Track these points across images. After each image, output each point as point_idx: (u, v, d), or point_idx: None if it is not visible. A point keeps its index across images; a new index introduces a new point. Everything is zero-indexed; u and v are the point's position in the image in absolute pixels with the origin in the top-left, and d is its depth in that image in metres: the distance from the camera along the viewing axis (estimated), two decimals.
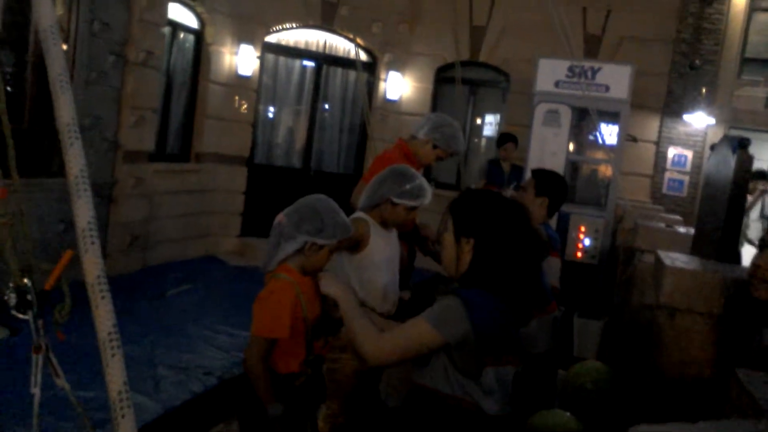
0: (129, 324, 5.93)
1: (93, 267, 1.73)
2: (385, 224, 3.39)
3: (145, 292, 6.99)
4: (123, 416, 1.64)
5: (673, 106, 9.29)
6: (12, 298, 2.25)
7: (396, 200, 3.31)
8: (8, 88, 7.38)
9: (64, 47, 6.70)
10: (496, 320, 2.07)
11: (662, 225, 5.32)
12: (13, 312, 2.23)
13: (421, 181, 3.40)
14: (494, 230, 2.12)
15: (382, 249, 3.37)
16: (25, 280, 2.26)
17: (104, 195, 7.17)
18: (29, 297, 2.24)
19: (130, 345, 5.41)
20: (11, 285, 2.25)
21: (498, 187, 6.09)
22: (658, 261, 3.10)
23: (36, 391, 2.19)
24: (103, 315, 1.68)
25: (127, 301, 6.60)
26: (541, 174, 4.00)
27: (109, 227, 7.28)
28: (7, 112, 2.23)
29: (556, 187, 3.92)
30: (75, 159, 1.69)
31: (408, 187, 3.32)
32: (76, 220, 1.73)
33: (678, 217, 6.73)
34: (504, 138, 8.15)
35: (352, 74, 10.23)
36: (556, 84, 8.11)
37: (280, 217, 2.69)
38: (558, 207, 3.97)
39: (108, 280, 5.98)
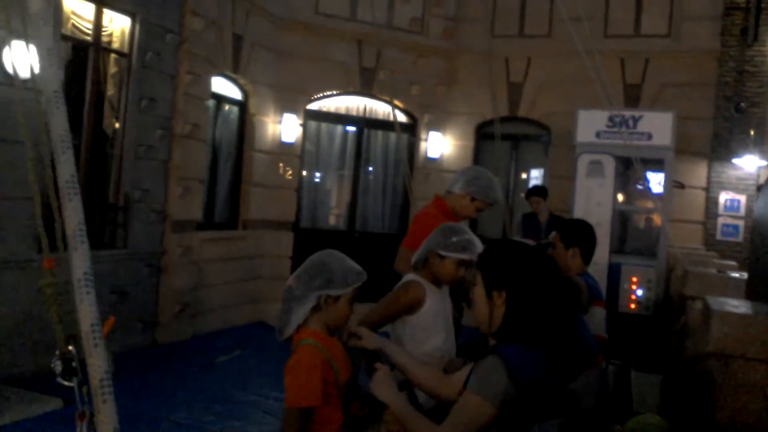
0: (179, 391, 5.97)
1: (88, 315, 1.82)
2: (437, 282, 3.35)
3: (196, 359, 7.03)
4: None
5: (720, 151, 9.09)
6: (58, 366, 2.28)
7: (443, 253, 3.27)
8: None
9: (116, 125, 6.98)
10: (538, 376, 2.00)
11: (713, 270, 5.14)
12: (59, 379, 2.26)
13: (470, 234, 3.36)
14: (526, 280, 2.07)
15: (437, 309, 3.32)
16: (70, 348, 2.28)
17: (154, 265, 7.33)
18: (74, 364, 2.25)
19: (180, 412, 5.43)
20: (57, 353, 2.29)
21: (534, 240, 6.01)
22: (706, 306, 2.99)
23: None
24: (96, 364, 1.68)
25: (178, 369, 6.65)
26: (564, 226, 3.92)
27: (159, 296, 7.42)
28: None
29: (583, 235, 3.83)
30: (73, 214, 1.78)
31: (455, 239, 3.29)
32: (72, 270, 1.83)
33: (731, 262, 6.50)
34: (530, 192, 8.09)
35: (392, 136, 10.37)
36: (597, 134, 8.07)
37: (290, 281, 2.66)
38: (591, 254, 3.86)
39: (159, 348, 6.11)
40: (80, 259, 1.85)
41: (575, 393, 3.38)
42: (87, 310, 1.83)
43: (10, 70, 5.49)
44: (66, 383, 2.24)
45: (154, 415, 5.23)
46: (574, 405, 3.35)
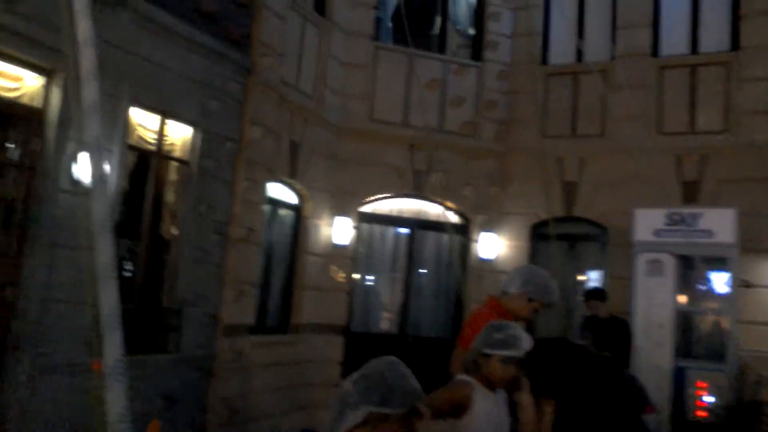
0: None
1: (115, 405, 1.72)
2: (491, 385, 3.21)
3: None
4: None
5: None
6: None
7: (488, 351, 3.15)
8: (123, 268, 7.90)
9: (175, 232, 7.16)
10: None
11: None
12: None
13: (515, 329, 3.23)
14: (578, 389, 1.93)
15: (488, 413, 3.15)
16: None
17: (205, 369, 7.29)
18: None
19: None
20: None
21: None
22: None
23: None
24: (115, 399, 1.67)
25: None
26: (596, 327, 3.72)
27: (209, 401, 7.34)
28: (120, 291, 2.35)
29: (615, 339, 3.61)
30: (109, 297, 1.77)
31: (499, 336, 3.17)
32: (104, 357, 1.81)
33: None
34: (588, 295, 7.84)
35: (445, 237, 10.35)
36: (656, 233, 7.90)
37: (347, 384, 2.56)
38: (625, 357, 3.61)
39: None
40: (113, 345, 1.85)
41: None
42: (115, 400, 1.82)
43: (78, 178, 5.75)
44: None
45: None
46: None
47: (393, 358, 2.58)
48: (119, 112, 6.19)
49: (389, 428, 2.49)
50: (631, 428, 2.70)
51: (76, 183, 5.75)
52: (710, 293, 7.78)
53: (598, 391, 1.97)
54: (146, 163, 7.00)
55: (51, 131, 5.68)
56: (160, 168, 7.12)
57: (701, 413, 7.04)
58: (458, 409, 3.12)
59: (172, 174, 7.27)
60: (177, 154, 7.30)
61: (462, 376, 3.25)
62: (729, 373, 7.10)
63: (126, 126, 6.47)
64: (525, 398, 2.01)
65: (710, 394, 7.07)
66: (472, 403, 3.12)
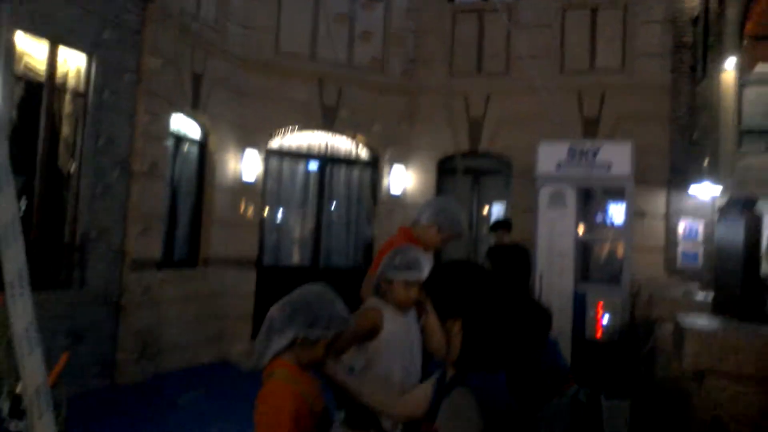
0: None
1: (33, 377, 1.55)
2: (399, 308, 3.28)
3: (157, 399, 6.80)
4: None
5: (677, 180, 9.28)
6: (5, 406, 2.16)
7: (390, 275, 3.22)
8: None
9: (73, 167, 6.82)
10: (507, 406, 1.91)
11: (678, 294, 5.18)
12: (6, 419, 2.14)
13: (416, 253, 3.30)
14: (482, 305, 1.95)
15: (397, 334, 3.22)
16: (19, 388, 2.15)
17: (112, 304, 7.11)
18: (23, 406, 2.12)
19: None
20: (4, 392, 2.17)
21: None
22: (678, 326, 2.98)
23: None
24: (30, 372, 1.50)
25: (138, 410, 6.43)
26: (494, 253, 3.82)
27: (119, 336, 7.19)
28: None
29: (511, 264, 3.72)
30: (14, 260, 1.60)
31: (400, 259, 3.23)
32: (13, 322, 1.59)
33: (694, 285, 6.58)
34: (495, 225, 8.11)
35: (355, 171, 10.38)
36: (558, 166, 8.18)
37: (273, 310, 2.56)
38: (525, 282, 3.72)
39: (119, 388, 5.86)
40: (22, 309, 1.61)
41: (544, 420, 3.30)
42: (31, 371, 1.53)
43: None
44: (13, 425, 2.12)
45: None
46: None
47: (321, 286, 2.60)
48: (0, 36, 5.74)
49: (316, 353, 2.52)
50: (539, 343, 2.81)
51: None
52: (608, 223, 8.19)
53: (504, 307, 2.01)
54: (38, 94, 6.57)
55: None
56: (54, 100, 6.72)
57: (599, 333, 7.51)
58: (370, 334, 3.18)
59: (67, 106, 6.88)
60: (71, 85, 6.89)
61: (370, 301, 3.30)
62: (623, 296, 7.58)
63: (11, 53, 6.02)
64: (430, 321, 2.03)
65: (607, 313, 7.54)
66: (380, 327, 3.19)
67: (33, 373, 1.53)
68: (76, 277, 6.77)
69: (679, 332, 2.91)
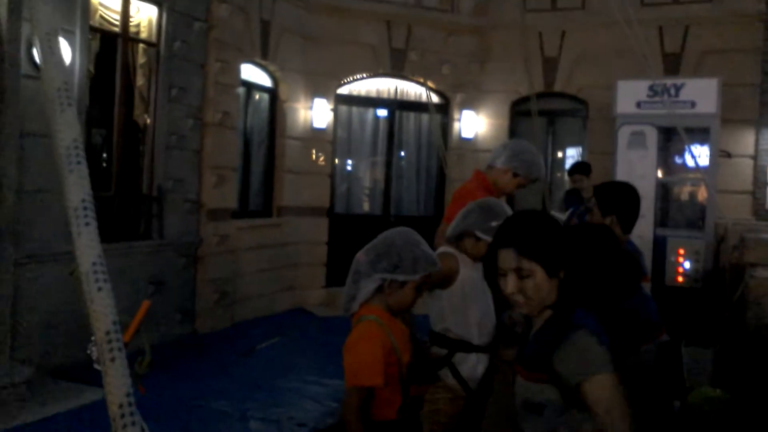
0: (220, 380, 5.93)
1: (102, 320, 1.41)
2: (473, 257, 3.21)
3: (235, 347, 6.99)
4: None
5: None
6: (93, 352, 2.19)
7: (480, 235, 3.13)
8: (97, 157, 7.70)
9: (149, 118, 6.93)
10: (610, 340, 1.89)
11: None
12: (96, 365, 2.18)
13: (507, 214, 3.21)
14: (584, 256, 1.93)
15: (474, 279, 3.17)
16: None
17: (190, 255, 7.29)
18: None
19: (221, 400, 5.38)
20: (93, 339, 2.20)
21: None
22: None
23: None
24: (101, 311, 1.40)
25: (217, 358, 6.62)
26: (602, 190, 3.63)
27: (197, 286, 7.39)
28: (95, 180, 2.23)
29: (622, 201, 3.52)
30: (76, 188, 1.47)
31: (494, 224, 3.14)
32: (79, 260, 1.47)
33: None
34: (573, 169, 7.82)
35: (425, 117, 10.21)
36: (638, 105, 7.82)
37: (359, 255, 2.56)
38: (631, 222, 3.53)
39: (199, 336, 6.00)
40: (87, 245, 1.43)
41: (630, 368, 3.21)
42: (100, 313, 1.40)
43: (38, 62, 5.45)
44: (101, 368, 2.15)
45: (195, 404, 5.18)
46: (632, 380, 3.18)
47: (404, 228, 2.57)
48: None
49: (404, 296, 2.49)
50: (630, 296, 2.70)
51: (40, 67, 5.45)
52: (690, 164, 7.81)
53: (593, 261, 1.95)
54: (113, 46, 6.67)
55: (2, 10, 5.31)
56: (128, 51, 6.80)
57: (680, 279, 7.24)
58: (446, 280, 3.13)
59: (141, 57, 6.96)
60: (144, 35, 6.96)
61: (445, 248, 3.23)
62: (707, 240, 7.26)
63: (87, 6, 6.10)
64: (538, 277, 2.01)
65: (688, 260, 7.25)
66: (456, 273, 3.14)
67: (102, 312, 1.42)
68: (155, 227, 6.94)
69: None
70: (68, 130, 1.51)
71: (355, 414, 2.37)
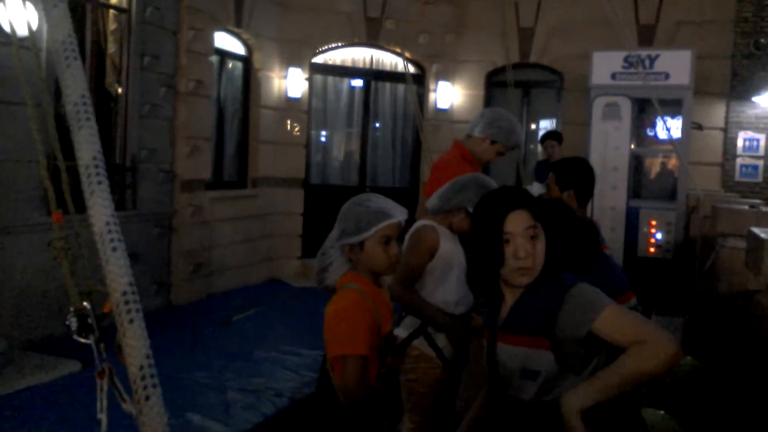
0: (196, 351, 5.92)
1: (118, 281, 1.36)
2: (450, 229, 3.22)
3: (211, 319, 6.97)
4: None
5: (739, 89, 8.84)
6: (73, 323, 2.17)
7: (470, 208, 3.14)
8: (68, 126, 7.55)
9: (120, 86, 6.80)
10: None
11: (745, 207, 4.98)
12: (75, 336, 2.16)
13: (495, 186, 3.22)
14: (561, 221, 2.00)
15: (453, 252, 3.18)
16: (85, 304, 2.15)
17: (164, 225, 7.22)
18: (89, 321, 2.12)
19: (199, 372, 5.38)
20: (71, 309, 2.17)
21: None
22: (756, 239, 2.84)
23: (102, 416, 2.08)
24: (116, 271, 1.36)
25: (194, 329, 6.60)
26: (559, 166, 3.67)
27: (172, 257, 7.33)
28: (67, 150, 2.18)
29: (578, 176, 3.57)
30: (87, 145, 1.42)
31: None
32: (92, 220, 1.41)
33: (757, 201, 6.34)
34: (545, 136, 7.87)
35: (400, 88, 10.15)
36: (613, 76, 7.83)
37: (330, 234, 2.52)
38: (587, 196, 3.56)
39: (174, 309, 5.96)
40: (101, 205, 1.39)
41: None
42: (116, 273, 1.35)
43: (6, 28, 5.29)
44: (82, 340, 2.13)
45: (173, 376, 5.17)
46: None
47: (359, 195, 2.53)
48: None
49: (373, 254, 2.43)
50: (591, 263, 2.79)
51: (6, 32, 5.30)
52: (662, 137, 7.88)
53: (556, 231, 1.97)
54: (82, 11, 6.50)
55: None
56: (98, 17, 6.63)
57: (652, 249, 7.36)
58: (427, 254, 3.14)
59: (111, 23, 6.79)
60: (114, 1, 6.79)
61: (423, 221, 3.22)
62: (678, 211, 7.37)
63: None
64: (540, 243, 2.07)
65: (660, 231, 7.37)
66: (439, 245, 3.14)
67: (118, 272, 1.38)
68: (129, 198, 6.85)
69: (758, 245, 2.77)
70: (75, 85, 1.47)
71: (363, 386, 2.30)
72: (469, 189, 3.15)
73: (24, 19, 4.35)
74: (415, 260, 3.14)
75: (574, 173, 3.56)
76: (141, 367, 1.35)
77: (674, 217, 7.35)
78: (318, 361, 2.59)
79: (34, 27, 4.77)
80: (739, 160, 8.87)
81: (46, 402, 4.61)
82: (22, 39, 4.61)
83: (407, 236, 3.23)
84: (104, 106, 6.80)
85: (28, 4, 5.46)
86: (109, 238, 1.37)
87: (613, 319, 1.79)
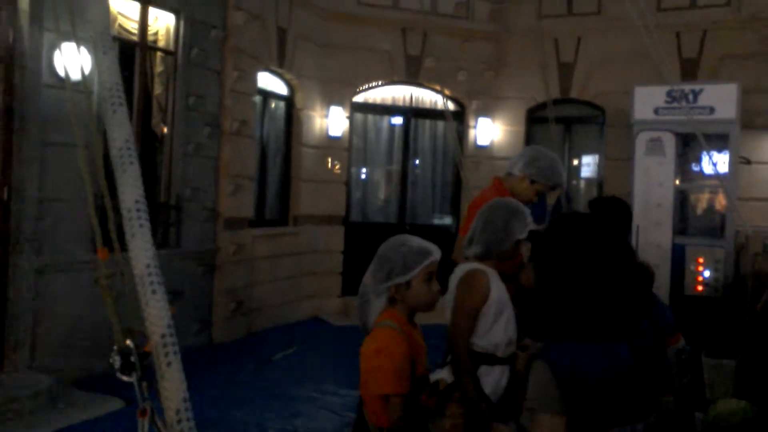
0: (237, 390, 5.93)
1: (158, 322, 1.39)
2: (495, 265, 3.17)
3: (252, 357, 6.98)
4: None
5: None
6: (116, 361, 2.19)
7: (521, 237, 3.12)
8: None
9: (166, 126, 6.97)
10: (597, 374, 1.77)
11: None
12: (118, 374, 2.17)
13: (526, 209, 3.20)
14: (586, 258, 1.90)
15: (501, 293, 3.13)
16: (128, 342, 2.17)
17: (207, 263, 7.30)
18: (132, 359, 2.13)
19: (239, 410, 5.37)
20: (115, 348, 2.19)
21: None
22: None
23: None
24: (155, 314, 1.37)
25: (234, 368, 6.61)
26: (596, 204, 3.61)
27: (214, 295, 7.39)
28: (113, 188, 2.24)
29: (615, 215, 3.51)
30: (131, 187, 1.46)
31: (529, 221, 3.14)
32: (133, 263, 1.45)
33: None
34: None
35: (440, 125, 10.19)
36: (656, 111, 7.74)
37: (365, 279, 2.55)
38: (625, 235, 3.53)
39: (215, 346, 6.00)
40: (141, 247, 1.45)
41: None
42: (156, 316, 1.41)
43: (61, 72, 5.49)
44: (125, 378, 2.14)
45: (213, 414, 5.17)
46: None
47: (394, 237, 2.56)
48: None
49: (419, 292, 2.47)
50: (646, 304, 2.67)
51: (60, 77, 5.49)
52: (708, 171, 7.72)
53: (612, 267, 1.88)
54: (131, 54, 6.71)
55: (24, 21, 5.36)
56: (146, 60, 6.83)
57: (699, 288, 7.16)
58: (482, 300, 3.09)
59: (158, 66, 6.99)
60: (161, 44, 6.99)
61: (471, 265, 3.16)
62: (727, 249, 7.17)
63: (106, 14, 6.13)
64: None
65: (708, 269, 7.17)
66: (491, 291, 3.08)
67: (157, 315, 1.44)
68: (172, 235, 6.96)
69: None
70: (120, 130, 1.52)
71: (407, 425, 2.32)
72: (512, 221, 3.15)
73: (78, 64, 4.52)
74: (468, 310, 3.07)
75: (611, 212, 3.51)
76: (178, 411, 1.36)
77: (723, 254, 7.15)
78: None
79: (87, 71, 4.92)
80: None
81: None
82: (76, 83, 4.82)
83: (457, 281, 3.17)
84: (150, 145, 6.97)
85: (82, 49, 5.67)
86: (149, 281, 1.40)
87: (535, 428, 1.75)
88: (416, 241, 2.52)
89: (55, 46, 5.49)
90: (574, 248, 1.87)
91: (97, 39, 1.66)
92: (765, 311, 4.47)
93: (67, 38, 5.27)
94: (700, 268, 7.18)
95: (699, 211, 8.11)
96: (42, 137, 5.44)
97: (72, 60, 5.22)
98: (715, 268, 7.16)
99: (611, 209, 3.61)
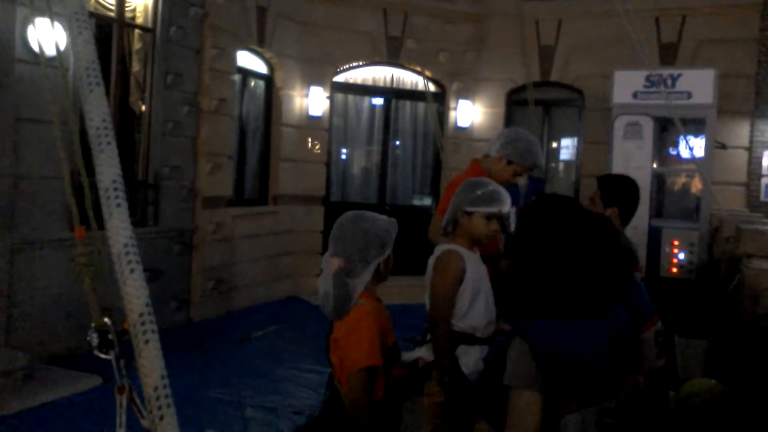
0: (215, 368, 5.93)
1: (135, 302, 1.39)
2: (471, 245, 3.19)
3: (230, 335, 6.99)
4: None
5: (763, 108, 8.74)
6: (94, 339, 2.19)
7: (469, 209, 3.11)
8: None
9: (143, 107, 6.90)
10: (575, 352, 1.82)
11: None
12: (96, 352, 2.17)
13: (495, 186, 3.19)
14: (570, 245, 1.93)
15: (477, 275, 3.16)
16: (106, 320, 2.17)
17: (185, 242, 7.27)
18: (110, 336, 2.14)
19: (218, 388, 5.39)
20: (92, 325, 2.19)
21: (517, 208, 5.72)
22: None
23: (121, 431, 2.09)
24: (133, 293, 1.37)
25: (213, 346, 6.62)
26: (607, 181, 3.61)
27: (192, 273, 7.38)
28: (90, 166, 2.23)
29: (625, 194, 3.51)
30: (108, 167, 1.46)
31: (479, 192, 3.12)
32: (110, 241, 1.45)
33: None
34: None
35: (421, 106, 10.19)
36: (635, 95, 7.80)
37: (338, 262, 2.54)
38: (631, 215, 3.52)
39: (194, 325, 5.97)
40: (119, 227, 1.43)
41: None
42: (133, 295, 1.40)
43: (36, 48, 5.40)
44: (103, 356, 2.14)
45: (191, 392, 5.18)
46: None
47: (350, 215, 2.62)
48: None
49: (391, 261, 2.59)
50: (625, 286, 2.70)
51: (35, 52, 5.40)
52: (685, 156, 7.82)
53: (593, 248, 1.92)
54: (108, 31, 6.62)
55: None
56: (123, 37, 6.75)
57: (674, 270, 7.27)
58: (456, 282, 3.11)
59: (136, 43, 6.91)
60: (140, 21, 6.90)
61: (446, 246, 3.18)
62: (702, 232, 7.29)
63: None
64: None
65: (682, 251, 7.29)
66: (466, 271, 3.10)
67: (135, 294, 1.42)
68: (150, 214, 6.92)
69: None
70: (97, 110, 1.51)
71: (365, 395, 2.40)
72: (458, 194, 3.19)
73: (52, 40, 4.44)
74: (447, 292, 3.10)
75: (621, 191, 3.51)
76: (156, 388, 1.37)
77: (697, 237, 7.27)
78: None
79: (62, 47, 4.83)
80: (764, 180, 8.75)
81: (67, 416, 4.65)
82: (51, 59, 4.74)
83: (432, 262, 3.20)
84: (128, 123, 6.90)
85: (56, 24, 5.57)
86: (126, 259, 1.40)
87: (512, 404, 1.81)
88: (379, 217, 2.62)
89: (28, 21, 5.39)
90: (552, 227, 1.91)
91: (73, 15, 1.63)
92: (736, 293, 4.56)
93: (41, 13, 5.17)
94: (675, 251, 7.30)
95: (675, 194, 8.22)
96: (17, 113, 5.35)
97: (46, 36, 5.14)
98: (690, 250, 7.28)
99: (621, 186, 3.61)
